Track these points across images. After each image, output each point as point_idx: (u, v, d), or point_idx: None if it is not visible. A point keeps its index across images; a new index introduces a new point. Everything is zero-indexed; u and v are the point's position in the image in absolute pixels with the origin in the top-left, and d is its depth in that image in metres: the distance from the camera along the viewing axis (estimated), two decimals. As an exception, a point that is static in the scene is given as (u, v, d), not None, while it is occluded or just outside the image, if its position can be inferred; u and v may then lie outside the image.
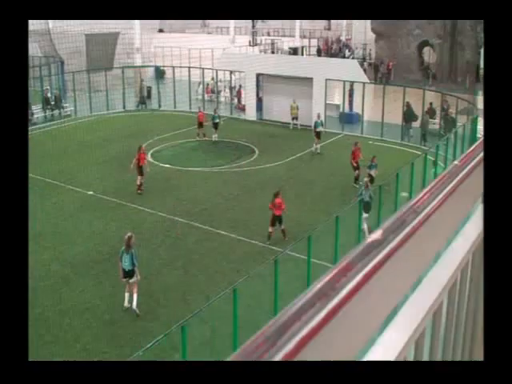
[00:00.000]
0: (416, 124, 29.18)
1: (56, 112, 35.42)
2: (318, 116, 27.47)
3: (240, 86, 37.49)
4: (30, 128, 32.50)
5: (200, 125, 29.18)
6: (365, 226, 16.97)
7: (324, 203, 20.11)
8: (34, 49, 40.09)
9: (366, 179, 18.62)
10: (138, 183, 21.42)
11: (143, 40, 41.97)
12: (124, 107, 36.36)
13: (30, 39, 37.91)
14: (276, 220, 16.94)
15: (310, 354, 1.07)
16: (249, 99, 34.39)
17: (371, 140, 29.07)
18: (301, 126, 30.79)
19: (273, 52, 54.91)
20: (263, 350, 1.04)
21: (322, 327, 1.11)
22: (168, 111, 35.40)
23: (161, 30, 60.53)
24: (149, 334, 11.76)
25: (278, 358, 1.06)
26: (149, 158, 26.45)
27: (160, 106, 36.97)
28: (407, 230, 1.46)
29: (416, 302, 1.40)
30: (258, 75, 33.59)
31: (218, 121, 29.11)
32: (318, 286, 1.21)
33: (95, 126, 32.23)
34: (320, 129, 26.74)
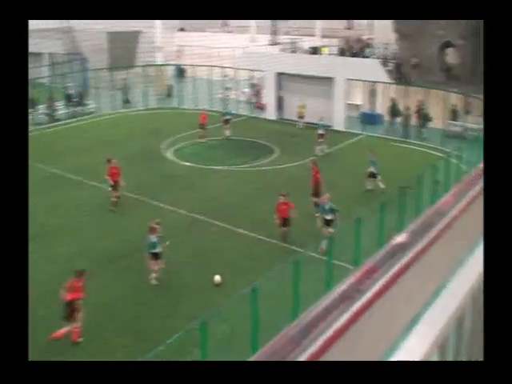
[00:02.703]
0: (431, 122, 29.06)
1: (79, 109, 35.73)
2: (321, 118, 27.34)
3: (259, 84, 37.49)
4: (52, 124, 32.90)
5: (201, 126, 28.76)
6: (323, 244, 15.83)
7: (344, 204, 19.99)
8: (58, 46, 40.51)
9: (327, 195, 17.62)
10: (113, 199, 19.85)
11: (164, 39, 42.16)
12: (145, 105, 36.56)
13: (53, 36, 38.37)
14: (283, 222, 16.93)
15: (334, 355, 1.08)
16: (269, 98, 34.37)
17: (393, 141, 28.88)
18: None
19: (293, 51, 54.77)
20: (288, 350, 1.06)
21: (347, 329, 1.12)
22: (189, 109, 35.50)
23: (182, 29, 60.75)
24: (169, 330, 11.82)
25: (303, 358, 1.07)
26: (170, 155, 26.59)
27: (181, 104, 37.10)
28: (433, 233, 1.46)
29: (440, 306, 1.40)
30: (278, 74, 33.55)
31: (228, 117, 29.08)
32: (342, 287, 1.22)
33: (117, 123, 32.51)
34: (320, 131, 26.51)
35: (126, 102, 36.82)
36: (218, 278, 14.58)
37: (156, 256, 14.71)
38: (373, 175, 21.49)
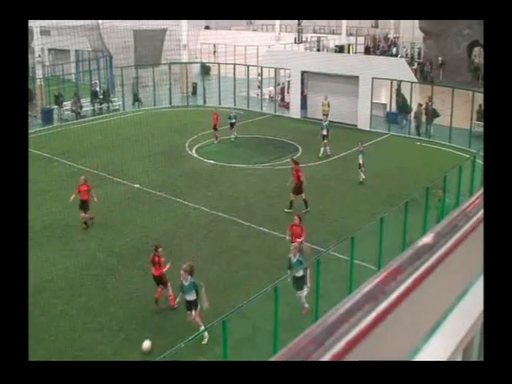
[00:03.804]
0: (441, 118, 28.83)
1: (104, 106, 36.08)
2: (325, 119, 27.22)
3: (284, 83, 37.47)
4: (78, 120, 33.29)
5: (213, 126, 28.51)
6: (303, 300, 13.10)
7: (367, 204, 19.90)
8: (84, 43, 40.93)
9: (295, 244, 13.97)
10: (83, 220, 18.23)
11: (190, 37, 42.31)
12: (170, 103, 36.79)
13: (79, 33, 38.79)
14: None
15: (358, 356, 1.08)
16: (293, 97, 34.32)
17: (419, 141, 28.63)
18: (346, 124, 30.64)
19: (318, 50, 54.60)
20: (311, 349, 1.05)
21: (370, 330, 1.11)
22: (213, 107, 35.57)
23: (207, 27, 60.92)
24: (190, 326, 11.89)
25: (326, 358, 1.07)
26: (194, 153, 26.69)
27: (205, 102, 37.24)
28: (458, 234, 1.44)
29: (466, 308, 1.38)
30: (303, 73, 33.48)
31: (234, 121, 28.85)
32: (366, 288, 1.21)
33: (142, 121, 32.74)
34: (324, 132, 26.13)
35: (136, 100, 36.84)
36: (147, 344, 11.63)
37: (190, 305, 12.23)
38: (360, 166, 22.01)
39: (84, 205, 18.21)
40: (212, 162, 25.39)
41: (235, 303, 11.77)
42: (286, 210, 18.99)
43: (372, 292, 1.17)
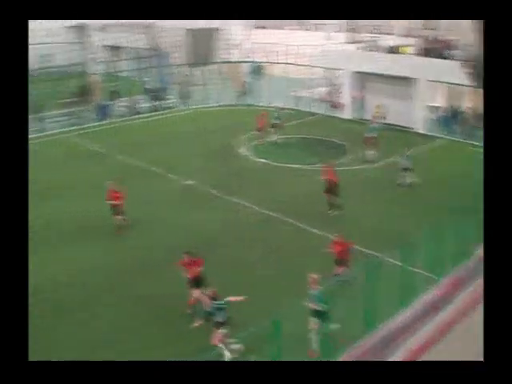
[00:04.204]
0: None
1: (159, 103, 36.64)
2: (371, 121, 26.55)
3: (336, 84, 37.15)
4: (133, 117, 33.96)
5: (259, 128, 28.34)
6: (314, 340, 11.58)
7: (416, 209, 19.40)
8: (141, 40, 41.58)
9: (312, 276, 11.87)
10: (117, 223, 17.90)
11: (242, 36, 42.48)
12: (221, 101, 36.98)
13: (136, 31, 39.45)
14: (339, 262, 14.41)
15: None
16: (345, 98, 33.98)
17: (472, 146, 27.80)
18: (400, 127, 30.19)
19: (371, 50, 53.81)
20: (369, 356, 1.04)
21: (434, 341, 1.09)
22: (264, 107, 35.55)
23: (260, 27, 60.89)
24: (235, 326, 11.73)
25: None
26: (245, 152, 26.73)
27: (256, 101, 37.25)
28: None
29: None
30: (357, 73, 33.10)
31: (277, 122, 28.62)
32: (428, 298, 1.19)
33: (194, 119, 33.14)
34: (370, 134, 25.58)
35: (185, 98, 37.15)
36: None
37: (217, 325, 11.75)
38: (406, 170, 21.95)
39: (116, 209, 17.87)
40: (263, 161, 25.41)
41: (282, 305, 11.56)
42: (330, 212, 18.99)
43: (434, 302, 1.15)
